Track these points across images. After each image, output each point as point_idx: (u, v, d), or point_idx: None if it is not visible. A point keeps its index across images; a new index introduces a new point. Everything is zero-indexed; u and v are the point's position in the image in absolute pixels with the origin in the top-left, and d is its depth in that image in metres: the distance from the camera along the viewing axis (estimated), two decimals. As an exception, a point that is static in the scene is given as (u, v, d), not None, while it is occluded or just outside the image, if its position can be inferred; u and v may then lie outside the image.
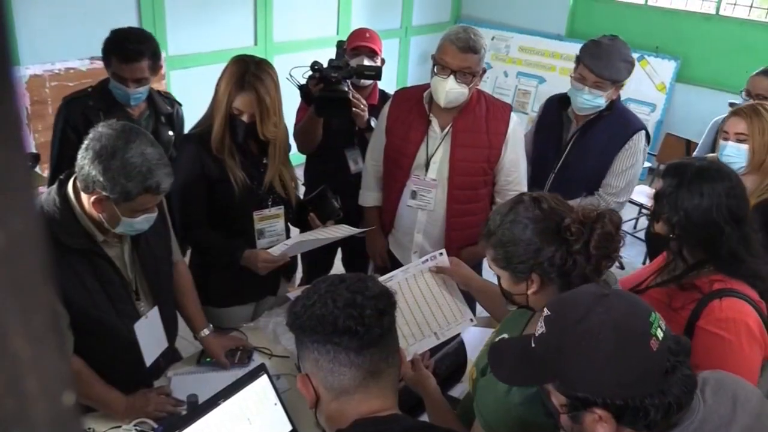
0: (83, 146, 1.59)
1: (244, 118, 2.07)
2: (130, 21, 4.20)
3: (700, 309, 1.58)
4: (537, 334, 1.12)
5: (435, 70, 2.31)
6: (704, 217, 1.60)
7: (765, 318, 1.59)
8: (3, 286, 0.28)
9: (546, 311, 1.12)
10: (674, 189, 1.64)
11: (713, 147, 4.00)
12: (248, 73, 2.03)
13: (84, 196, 1.63)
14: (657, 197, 1.68)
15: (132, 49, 2.37)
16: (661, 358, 1.02)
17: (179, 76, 4.62)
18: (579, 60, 2.57)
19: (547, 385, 1.10)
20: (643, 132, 2.61)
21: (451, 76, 2.25)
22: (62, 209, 1.64)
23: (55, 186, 1.68)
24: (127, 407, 1.77)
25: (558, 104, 2.70)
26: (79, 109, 2.48)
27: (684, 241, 1.65)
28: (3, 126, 0.27)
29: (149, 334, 1.84)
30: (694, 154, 4.35)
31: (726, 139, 2.30)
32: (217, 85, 2.10)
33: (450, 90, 2.26)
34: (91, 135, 1.60)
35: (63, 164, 2.27)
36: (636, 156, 2.57)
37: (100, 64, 2.60)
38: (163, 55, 4.37)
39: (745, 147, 2.25)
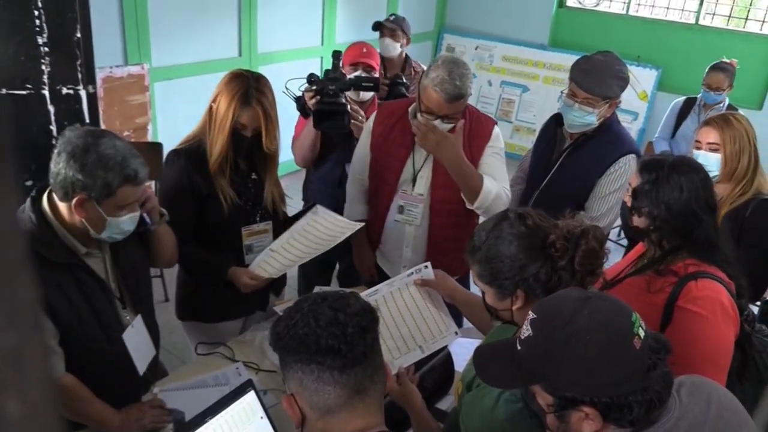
0: (54, 153, 1.59)
1: (247, 132, 2.07)
2: (113, 32, 4.19)
3: (678, 290, 1.66)
4: (523, 337, 1.13)
5: (420, 109, 2.22)
6: (684, 209, 1.67)
7: (734, 296, 1.68)
8: None
9: (531, 314, 1.14)
10: (653, 184, 1.69)
11: (675, 129, 4.24)
12: (251, 88, 2.03)
13: (63, 206, 1.62)
14: (635, 193, 1.73)
15: None
16: (644, 356, 1.06)
17: (163, 88, 4.61)
18: (570, 76, 2.46)
19: (534, 386, 1.12)
20: (633, 156, 2.44)
21: (438, 120, 2.19)
22: (39, 225, 1.62)
23: (27, 203, 1.65)
24: (122, 421, 1.75)
25: (554, 122, 2.62)
26: None
27: (663, 232, 1.71)
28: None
29: (138, 342, 1.84)
30: (656, 135, 4.48)
31: (698, 149, 2.36)
32: (214, 102, 2.07)
33: None
34: (60, 141, 1.61)
35: None
36: (622, 180, 2.39)
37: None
38: (147, 66, 4.38)
39: (717, 156, 2.30)
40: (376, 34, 3.92)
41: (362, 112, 2.64)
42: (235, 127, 2.04)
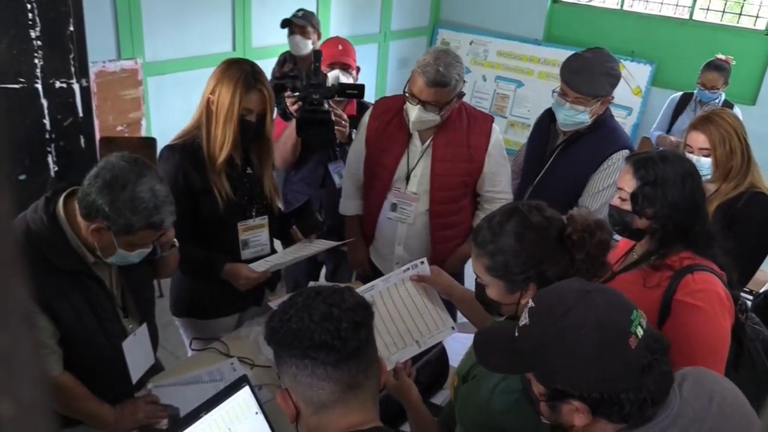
0: (92, 173, 1.56)
1: (252, 118, 2.05)
2: (106, 27, 4.16)
3: (675, 284, 1.66)
4: (521, 325, 1.14)
5: (405, 91, 2.26)
6: (689, 203, 1.67)
7: (727, 286, 1.69)
8: None
9: (531, 303, 1.14)
10: (654, 185, 1.67)
11: (671, 124, 4.31)
12: (250, 72, 2.01)
13: (81, 221, 1.60)
14: (635, 196, 1.71)
15: None
16: (639, 356, 1.04)
17: (156, 82, 4.58)
18: (560, 75, 2.43)
19: (528, 374, 1.13)
20: (626, 151, 2.40)
21: (419, 105, 2.22)
22: (51, 229, 1.59)
23: (41, 203, 1.62)
24: (117, 418, 1.75)
25: (548, 117, 2.59)
26: None
27: (667, 229, 1.70)
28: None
29: (137, 351, 1.83)
30: (652, 129, 4.50)
31: (690, 153, 2.33)
32: (212, 93, 2.03)
33: (416, 120, 2.26)
34: (102, 164, 1.58)
35: None
36: (615, 176, 2.34)
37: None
38: (140, 61, 4.35)
39: (709, 161, 2.27)
40: (368, 29, 3.86)
41: (345, 117, 2.60)
42: (240, 114, 2.02)
